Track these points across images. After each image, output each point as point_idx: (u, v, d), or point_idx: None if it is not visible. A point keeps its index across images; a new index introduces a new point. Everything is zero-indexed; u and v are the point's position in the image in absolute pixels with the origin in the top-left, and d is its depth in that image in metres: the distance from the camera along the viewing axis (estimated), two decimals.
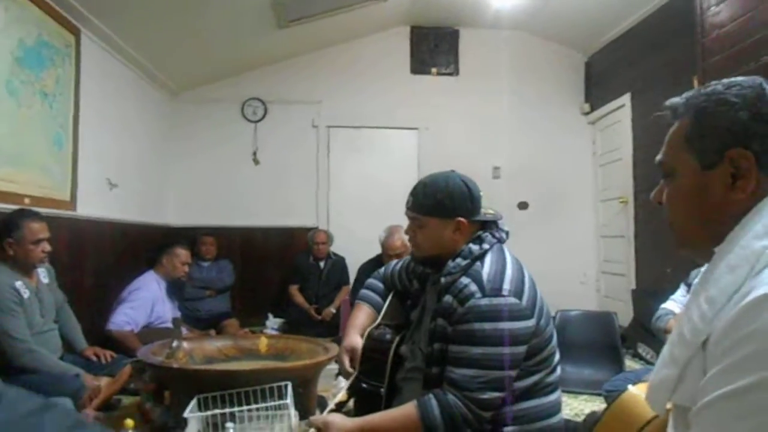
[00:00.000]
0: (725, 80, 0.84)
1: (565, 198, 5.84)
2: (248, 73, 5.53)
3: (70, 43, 3.47)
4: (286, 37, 4.96)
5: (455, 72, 5.84)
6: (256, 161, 5.61)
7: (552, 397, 1.56)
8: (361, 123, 5.73)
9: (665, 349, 0.81)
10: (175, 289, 4.00)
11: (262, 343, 2.96)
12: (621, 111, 5.23)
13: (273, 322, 5.04)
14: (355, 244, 5.05)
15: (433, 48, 5.81)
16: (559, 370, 1.61)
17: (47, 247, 2.57)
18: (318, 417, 1.50)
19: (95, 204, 3.80)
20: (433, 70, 5.80)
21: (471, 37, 5.83)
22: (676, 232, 0.89)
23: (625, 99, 5.16)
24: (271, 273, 5.47)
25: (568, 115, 5.88)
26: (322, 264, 5.07)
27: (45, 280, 2.72)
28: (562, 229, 5.78)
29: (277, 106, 5.61)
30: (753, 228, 0.76)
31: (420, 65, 5.80)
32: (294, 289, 5.06)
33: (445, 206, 1.59)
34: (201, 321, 4.54)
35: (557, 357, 1.61)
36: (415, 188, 1.66)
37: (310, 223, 5.53)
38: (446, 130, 5.77)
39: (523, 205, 5.79)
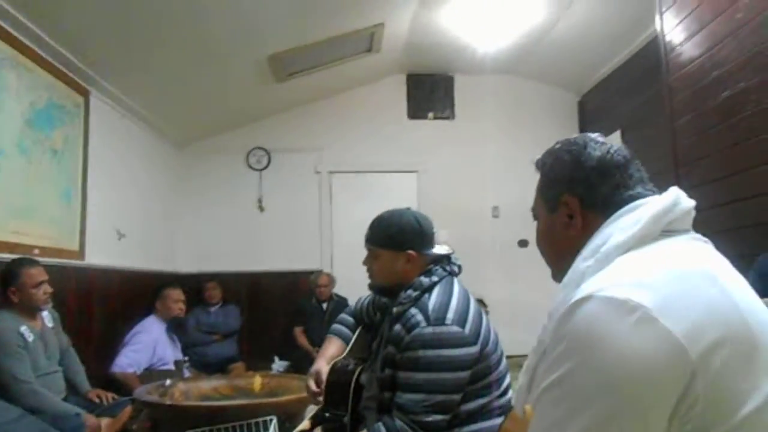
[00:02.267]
0: (563, 139, 1.04)
1: None
2: (252, 123, 5.80)
3: (78, 103, 3.74)
4: (286, 89, 5.22)
5: (451, 116, 6.06)
6: (261, 208, 5.82)
7: (501, 420, 1.65)
8: (362, 168, 5.94)
9: (525, 362, 0.95)
10: (176, 330, 4.16)
11: (257, 381, 3.11)
12: None
13: (279, 365, 5.15)
14: (358, 286, 5.16)
15: (429, 94, 6.05)
16: (510, 393, 1.71)
17: (48, 289, 2.76)
18: None
19: (103, 253, 3.99)
20: (430, 114, 6.03)
21: (465, 82, 6.07)
22: (549, 266, 1.07)
23: (616, 136, 5.29)
24: (277, 316, 5.59)
25: None
26: (325, 306, 5.19)
27: (50, 324, 2.89)
28: None
29: (280, 154, 5.85)
30: (582, 254, 0.92)
31: (417, 110, 6.04)
32: (298, 331, 5.17)
33: (396, 239, 1.73)
34: (208, 365, 4.65)
35: (507, 381, 1.71)
36: (372, 222, 1.82)
37: (314, 266, 5.68)
38: (444, 172, 5.96)
39: (523, 243, 5.88)
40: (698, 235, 0.92)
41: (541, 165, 1.06)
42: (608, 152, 0.97)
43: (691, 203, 0.92)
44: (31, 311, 2.75)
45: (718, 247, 0.92)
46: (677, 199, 0.91)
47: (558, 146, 1.03)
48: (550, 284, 1.06)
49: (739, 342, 0.75)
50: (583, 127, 6.05)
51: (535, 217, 1.08)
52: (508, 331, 3.70)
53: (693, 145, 3.07)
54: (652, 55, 4.37)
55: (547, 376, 0.78)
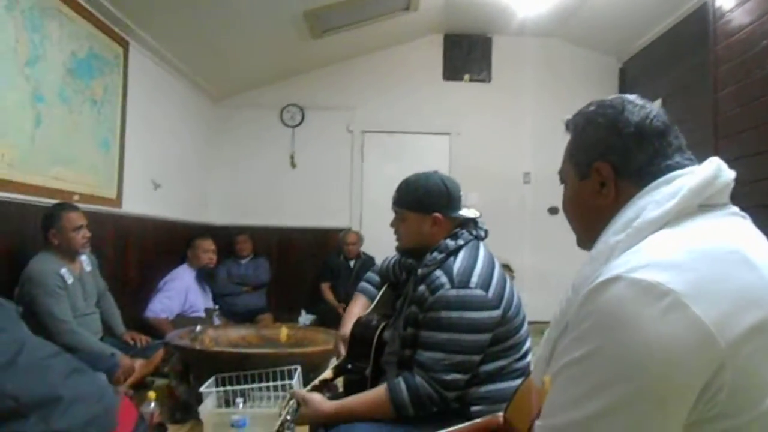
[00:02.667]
0: (598, 100, 0.98)
1: None
2: (286, 80, 5.81)
3: (118, 54, 3.80)
4: (322, 46, 5.19)
5: (487, 78, 5.96)
6: (293, 164, 5.87)
7: (518, 381, 1.69)
8: (395, 128, 5.92)
9: (546, 331, 0.93)
10: (207, 279, 4.28)
11: (283, 332, 3.21)
12: None
13: (305, 318, 5.28)
14: (386, 245, 5.22)
15: (466, 55, 5.94)
16: (529, 357, 1.74)
17: (87, 233, 2.87)
18: (300, 391, 1.68)
19: (140, 202, 4.11)
20: (466, 76, 5.94)
21: (503, 44, 5.94)
22: (574, 233, 1.02)
23: (656, 105, 5.12)
24: (305, 271, 5.71)
25: None
26: (352, 263, 5.28)
27: (88, 267, 3.02)
28: None
29: (313, 111, 5.86)
30: (613, 226, 0.87)
31: (453, 72, 5.95)
32: (325, 287, 5.29)
33: (423, 202, 1.74)
34: (237, 315, 4.79)
35: (527, 345, 1.74)
36: (399, 185, 1.82)
37: (343, 224, 5.74)
38: (478, 136, 5.90)
39: (553, 211, 5.83)
40: (736, 209, 0.88)
41: (573, 126, 0.99)
42: (647, 117, 0.92)
43: (731, 175, 0.87)
44: (70, 254, 2.87)
45: (755, 223, 0.87)
46: (718, 171, 0.85)
47: (593, 108, 0.97)
48: (577, 252, 1.01)
49: None
50: (623, 93, 5.89)
51: (563, 180, 1.03)
52: (534, 297, 3.73)
53: (735, 117, 2.98)
54: (700, 22, 4.21)
55: (569, 353, 0.77)
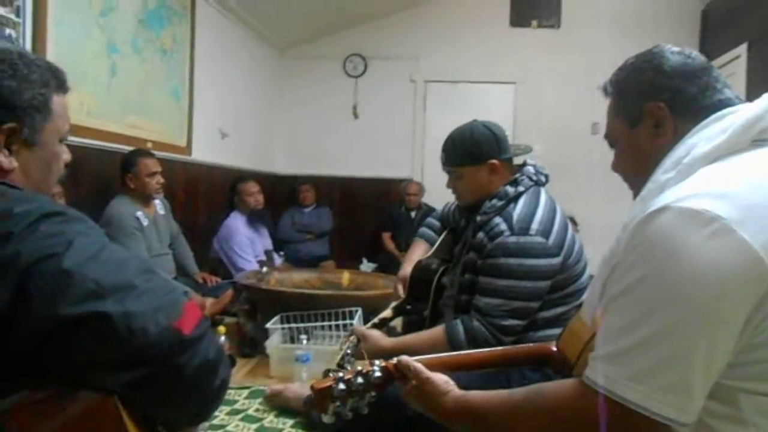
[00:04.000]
0: (636, 54, 0.98)
1: None
2: (349, 30, 5.76)
3: (186, 4, 3.87)
4: None
5: (557, 24, 5.71)
6: (355, 115, 5.89)
7: None
8: (458, 78, 5.80)
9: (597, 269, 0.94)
10: (260, 220, 4.27)
11: (345, 277, 3.29)
12: (736, 62, 4.89)
13: (366, 266, 5.39)
14: (447, 196, 5.21)
15: None
16: None
17: (161, 179, 3.01)
18: (360, 327, 1.74)
19: (208, 150, 4.25)
20: (534, 22, 5.71)
21: None
22: (632, 188, 1.02)
23: (741, 50, 4.81)
24: (367, 220, 5.78)
25: None
26: (413, 214, 5.31)
27: (161, 211, 3.18)
28: None
29: (376, 61, 5.82)
30: (663, 166, 0.88)
31: (520, 17, 5.72)
32: (386, 236, 5.36)
33: (474, 153, 1.72)
34: (301, 262, 4.92)
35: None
36: (444, 144, 1.79)
37: (404, 174, 5.75)
38: (544, 85, 5.70)
39: None
40: None
41: (613, 85, 1.01)
42: (689, 56, 0.94)
43: None
44: (145, 198, 3.02)
45: None
46: None
47: (631, 61, 0.99)
48: None
49: None
50: (705, 38, 5.53)
51: (612, 143, 1.03)
52: (599, 253, 3.65)
53: None
54: None
55: (618, 284, 0.79)
